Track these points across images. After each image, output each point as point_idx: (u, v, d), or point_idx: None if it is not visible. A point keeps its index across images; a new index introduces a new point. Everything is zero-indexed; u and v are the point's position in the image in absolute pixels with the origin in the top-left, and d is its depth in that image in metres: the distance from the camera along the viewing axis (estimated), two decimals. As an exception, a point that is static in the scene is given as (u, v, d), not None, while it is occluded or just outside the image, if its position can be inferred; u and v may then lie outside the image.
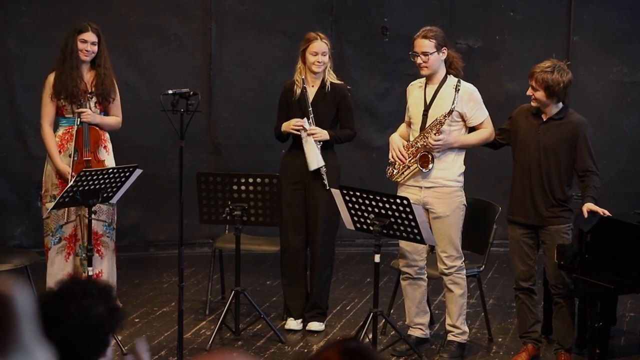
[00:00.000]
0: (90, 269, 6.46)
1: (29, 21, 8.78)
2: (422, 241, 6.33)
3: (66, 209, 6.90)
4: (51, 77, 6.99)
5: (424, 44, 6.49)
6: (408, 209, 6.14)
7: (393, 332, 6.89)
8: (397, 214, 6.21)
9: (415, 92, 6.68)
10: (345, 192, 6.44)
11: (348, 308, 7.72)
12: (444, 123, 6.48)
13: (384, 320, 6.94)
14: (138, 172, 6.61)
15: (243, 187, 6.79)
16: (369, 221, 6.34)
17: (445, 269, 6.58)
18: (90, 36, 6.97)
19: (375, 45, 9.45)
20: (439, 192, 6.53)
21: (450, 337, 6.67)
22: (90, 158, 6.96)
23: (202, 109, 7.05)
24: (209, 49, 9.23)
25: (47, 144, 7.01)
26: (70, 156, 6.98)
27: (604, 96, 9.55)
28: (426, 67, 6.52)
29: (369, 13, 9.46)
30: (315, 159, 7.02)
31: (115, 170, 6.51)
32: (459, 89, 6.49)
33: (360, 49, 9.45)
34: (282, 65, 9.33)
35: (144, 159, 8.26)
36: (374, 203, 6.29)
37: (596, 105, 9.51)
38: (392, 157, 6.64)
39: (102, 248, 7.00)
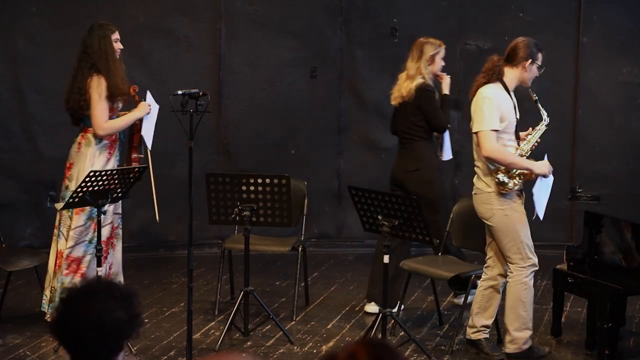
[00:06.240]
0: (100, 269, 6.46)
1: (38, 22, 8.80)
2: (430, 242, 6.34)
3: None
4: (102, 80, 6.83)
5: None
6: (417, 210, 6.14)
7: (402, 332, 6.90)
8: (405, 214, 6.21)
9: (508, 100, 6.47)
10: (354, 192, 6.45)
11: (357, 309, 7.71)
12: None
13: (393, 321, 6.94)
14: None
15: (252, 188, 6.81)
16: (377, 222, 6.34)
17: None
18: (118, 35, 7.01)
19: (384, 46, 9.44)
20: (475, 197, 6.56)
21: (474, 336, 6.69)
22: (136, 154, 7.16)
23: (211, 110, 7.04)
24: (219, 49, 9.24)
25: (120, 123, 6.96)
26: (119, 156, 7.05)
27: (613, 97, 9.53)
28: None
29: (379, 14, 9.46)
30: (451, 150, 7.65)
31: (124, 171, 6.53)
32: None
33: (370, 50, 9.44)
34: (291, 66, 9.33)
35: (154, 159, 8.27)
36: (382, 204, 6.29)
37: (606, 107, 9.49)
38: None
39: (115, 240, 7.02)
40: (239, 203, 6.81)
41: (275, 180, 6.80)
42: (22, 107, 8.82)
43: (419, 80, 7.40)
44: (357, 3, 9.43)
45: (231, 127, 9.37)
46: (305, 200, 7.66)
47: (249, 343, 6.88)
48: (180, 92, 6.26)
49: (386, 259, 6.34)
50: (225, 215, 6.88)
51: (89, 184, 6.33)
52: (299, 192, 7.59)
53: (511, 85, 6.46)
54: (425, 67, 7.42)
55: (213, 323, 7.29)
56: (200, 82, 8.42)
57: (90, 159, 6.91)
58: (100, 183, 6.38)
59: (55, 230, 7.03)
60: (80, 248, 6.92)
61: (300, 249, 7.53)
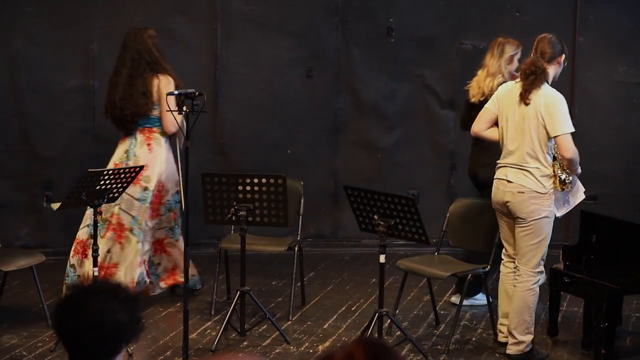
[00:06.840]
0: (95, 269, 6.46)
1: (35, 22, 8.79)
2: (426, 241, 6.35)
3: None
4: (170, 79, 7.27)
5: None
6: (413, 209, 6.14)
7: (398, 332, 6.90)
8: (401, 214, 6.21)
9: None
10: (350, 192, 6.45)
11: (354, 309, 7.71)
12: None
13: (389, 321, 6.94)
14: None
15: (248, 188, 6.81)
16: (373, 222, 6.34)
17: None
18: None
19: (381, 46, 9.44)
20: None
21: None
22: None
23: (207, 110, 7.05)
24: (215, 49, 9.24)
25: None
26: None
27: (610, 97, 9.52)
28: None
29: (376, 14, 9.45)
30: None
31: (121, 171, 6.53)
32: None
33: (367, 50, 9.43)
34: (288, 65, 9.32)
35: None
36: (378, 203, 6.29)
37: (603, 106, 9.48)
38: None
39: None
40: (235, 203, 6.80)
41: (272, 180, 6.80)
42: (19, 107, 8.81)
43: (500, 79, 7.38)
44: (353, 3, 9.42)
45: (227, 127, 9.36)
46: (302, 200, 7.66)
47: (245, 343, 6.88)
48: (176, 92, 6.27)
49: (382, 258, 6.34)
50: (222, 215, 6.87)
51: (85, 183, 6.33)
52: (295, 192, 7.58)
53: (549, 83, 6.49)
54: (505, 67, 7.46)
55: (209, 323, 7.29)
56: (197, 82, 8.41)
57: (167, 157, 7.34)
58: (97, 183, 6.38)
59: (103, 230, 7.23)
60: (162, 232, 7.41)
61: (296, 248, 7.53)
